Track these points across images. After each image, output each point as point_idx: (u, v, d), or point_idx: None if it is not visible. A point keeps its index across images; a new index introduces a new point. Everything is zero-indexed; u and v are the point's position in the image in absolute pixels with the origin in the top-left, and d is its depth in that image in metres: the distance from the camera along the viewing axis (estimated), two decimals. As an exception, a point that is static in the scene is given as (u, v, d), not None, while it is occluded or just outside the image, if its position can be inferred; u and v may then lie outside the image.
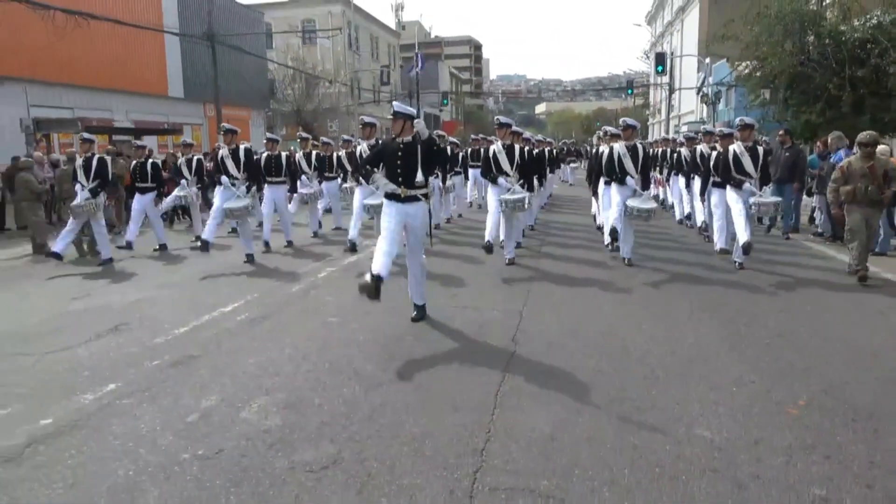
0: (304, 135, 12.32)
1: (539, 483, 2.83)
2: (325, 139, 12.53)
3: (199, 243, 8.97)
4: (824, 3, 15.94)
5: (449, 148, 11.88)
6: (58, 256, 8.52)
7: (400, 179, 5.24)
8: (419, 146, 5.23)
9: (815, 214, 10.87)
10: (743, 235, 7.31)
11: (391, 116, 5.37)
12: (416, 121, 5.33)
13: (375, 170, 5.47)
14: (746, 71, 14.29)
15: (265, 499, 2.74)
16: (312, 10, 35.58)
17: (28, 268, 8.94)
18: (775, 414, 3.47)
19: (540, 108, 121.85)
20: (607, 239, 8.31)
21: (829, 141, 9.55)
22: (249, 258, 8.61)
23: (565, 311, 5.74)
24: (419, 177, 5.19)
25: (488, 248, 7.71)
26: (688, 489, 2.76)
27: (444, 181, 11.58)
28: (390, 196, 5.31)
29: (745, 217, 7.39)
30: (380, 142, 7.21)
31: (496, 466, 2.97)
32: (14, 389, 3.96)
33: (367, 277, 4.80)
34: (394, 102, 5.71)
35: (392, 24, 52.37)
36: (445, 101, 45.17)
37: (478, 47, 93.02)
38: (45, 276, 8.20)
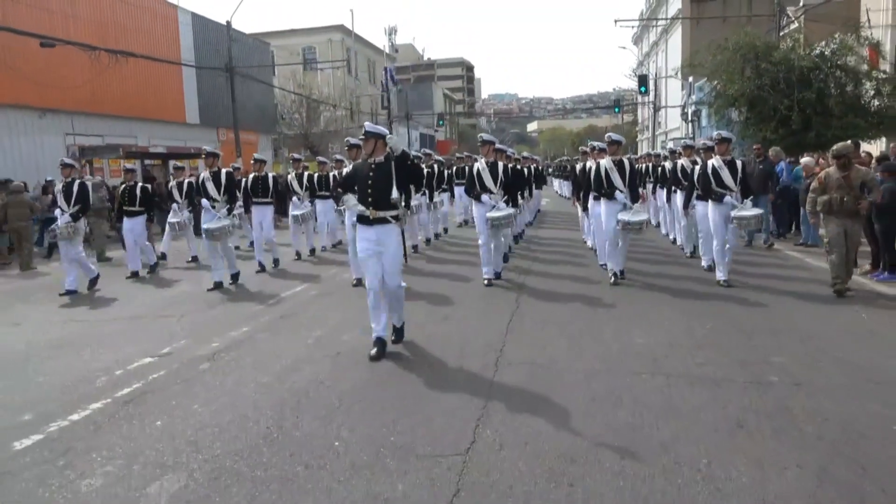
0: (296, 156, 12.55)
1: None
2: (320, 158, 12.93)
3: (193, 262, 9.53)
4: (781, 34, 18.32)
5: (435, 166, 12.90)
6: (71, 293, 8.56)
7: (370, 200, 5.13)
8: (393, 164, 5.12)
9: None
10: (719, 272, 7.67)
11: (362, 137, 5.34)
12: (388, 137, 5.26)
13: (348, 193, 5.47)
14: (713, 94, 16.52)
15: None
16: (313, 39, 37.98)
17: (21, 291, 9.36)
18: (790, 472, 3.10)
19: (532, 126, 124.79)
20: (612, 271, 8.16)
21: (771, 154, 11.62)
22: (217, 285, 8.45)
23: (550, 332, 5.67)
24: (394, 194, 5.07)
25: (489, 284, 7.93)
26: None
27: (430, 198, 12.07)
28: (360, 219, 5.26)
29: (722, 244, 7.65)
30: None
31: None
32: None
33: (373, 351, 5.03)
34: (365, 123, 5.66)
35: (386, 48, 54.95)
36: (441, 123, 47.53)
37: (470, 68, 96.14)
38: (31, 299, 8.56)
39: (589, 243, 10.87)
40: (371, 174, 5.18)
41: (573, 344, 5.38)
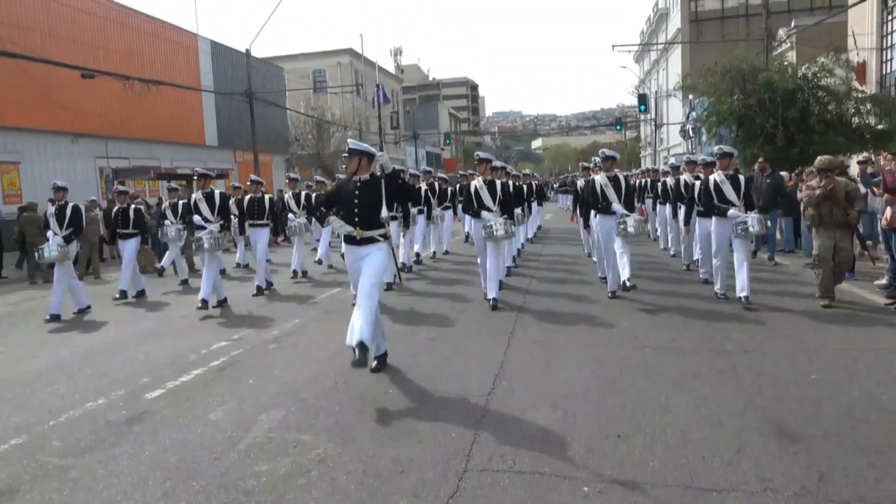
0: (293, 175, 12.71)
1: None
2: (318, 178, 12.99)
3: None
4: (774, 54, 19.69)
5: (436, 183, 13.37)
6: (81, 312, 8.77)
7: (357, 220, 5.05)
8: (382, 182, 5.06)
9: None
10: (716, 279, 7.95)
11: (346, 154, 5.30)
12: (379, 155, 5.20)
13: (332, 213, 5.35)
14: (705, 113, 17.85)
15: None
16: (322, 62, 39.70)
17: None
18: (725, 402, 3.69)
19: (536, 144, 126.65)
20: (611, 287, 8.28)
21: (755, 168, 12.87)
22: (203, 304, 8.35)
23: (548, 358, 5.53)
24: (384, 213, 5.01)
25: (494, 307, 7.77)
26: None
27: (429, 216, 12.36)
28: (347, 239, 5.17)
29: (724, 262, 7.79)
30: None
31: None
32: None
33: (356, 354, 4.59)
34: (349, 140, 5.56)
35: (392, 68, 56.81)
36: (448, 141, 49.11)
37: (474, 87, 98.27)
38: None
39: (594, 258, 10.73)
40: (357, 192, 5.08)
41: (571, 371, 5.14)
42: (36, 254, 9.00)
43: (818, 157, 7.62)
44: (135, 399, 4.95)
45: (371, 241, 5.09)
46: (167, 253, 11.61)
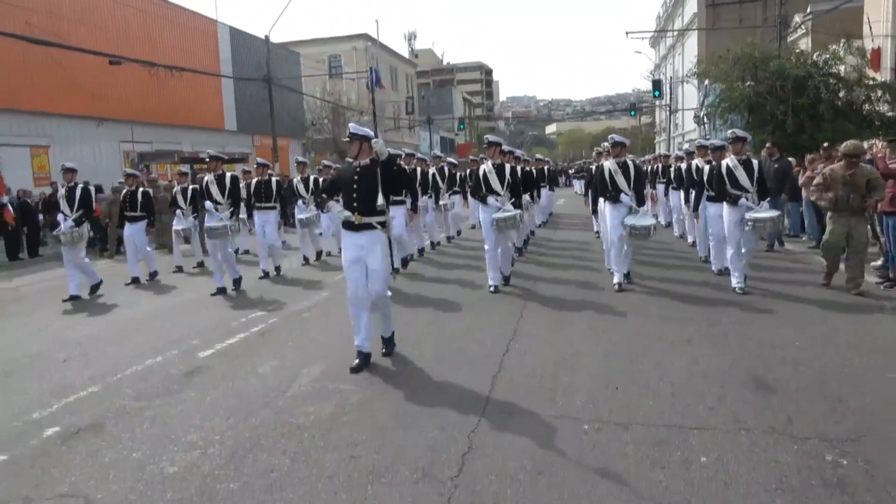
0: (301, 159, 12.41)
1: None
2: (325, 162, 12.66)
3: (198, 267, 9.12)
4: (789, 40, 19.93)
5: (446, 168, 12.96)
6: (75, 298, 8.63)
7: (355, 205, 5.04)
8: (378, 168, 5.03)
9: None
10: (734, 280, 7.45)
11: (347, 138, 5.24)
12: (374, 141, 5.10)
13: (334, 198, 5.36)
14: (717, 100, 18.21)
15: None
16: (338, 47, 40.17)
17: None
18: (715, 360, 4.06)
19: (550, 129, 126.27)
20: (615, 278, 7.99)
21: (762, 154, 13.26)
22: (220, 291, 8.53)
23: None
24: (380, 201, 4.99)
25: (495, 291, 7.82)
26: None
27: (437, 200, 12.06)
28: (346, 225, 5.14)
29: (737, 250, 7.46)
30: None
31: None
32: None
33: (355, 363, 4.92)
34: (350, 124, 5.50)
35: (406, 53, 57.13)
36: (462, 126, 49.50)
37: (488, 72, 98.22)
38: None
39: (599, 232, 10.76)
40: (356, 178, 5.09)
41: (577, 337, 5.61)
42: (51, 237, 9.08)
43: (844, 143, 7.40)
44: (189, 357, 5.62)
45: (369, 227, 5.06)
46: (174, 248, 11.41)
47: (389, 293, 5.43)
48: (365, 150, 5.12)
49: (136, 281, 9.88)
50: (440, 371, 4.99)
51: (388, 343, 5.43)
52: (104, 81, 20.47)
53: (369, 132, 5.27)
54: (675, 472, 3.27)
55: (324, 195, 5.64)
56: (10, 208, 13.60)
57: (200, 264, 11.35)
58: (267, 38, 24.60)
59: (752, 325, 6.01)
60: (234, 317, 7.17)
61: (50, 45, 16.47)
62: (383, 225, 5.14)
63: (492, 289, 7.91)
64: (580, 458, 3.47)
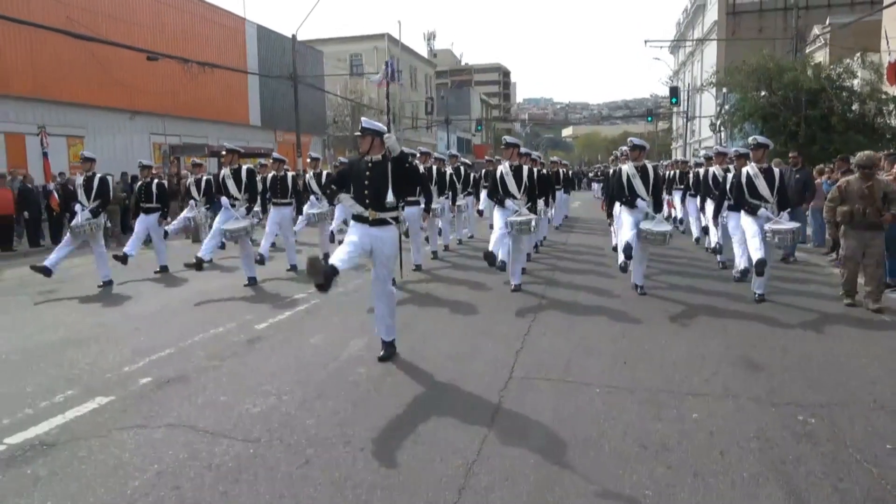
0: (315, 155, 12.35)
1: None
2: (342, 159, 12.44)
3: (195, 262, 8.59)
4: (808, 51, 20.49)
5: (462, 168, 12.81)
6: (47, 270, 8.55)
7: (367, 201, 5.04)
8: (389, 164, 5.04)
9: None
10: (756, 253, 7.10)
11: (359, 133, 5.22)
12: (386, 136, 5.08)
13: (343, 191, 5.33)
14: (731, 109, 18.87)
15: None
16: (359, 46, 41.09)
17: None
18: (715, 342, 5.03)
19: (567, 132, 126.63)
20: (621, 257, 7.76)
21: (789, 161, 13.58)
22: (251, 281, 8.71)
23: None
24: (389, 197, 4.97)
25: (502, 267, 7.70)
26: None
27: (454, 201, 11.79)
28: (357, 218, 5.13)
29: (760, 237, 7.18)
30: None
31: None
32: None
33: (322, 261, 4.69)
34: (362, 119, 5.46)
35: (425, 53, 57.98)
36: (479, 128, 50.24)
37: (506, 73, 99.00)
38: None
39: (614, 241, 10.71)
40: (368, 173, 5.10)
41: (590, 326, 6.19)
42: (69, 230, 9.09)
43: (858, 154, 7.38)
44: (247, 328, 6.42)
45: (383, 222, 5.09)
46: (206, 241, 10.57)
47: (397, 293, 5.51)
48: (377, 146, 5.12)
49: (164, 269, 10.06)
50: (473, 343, 5.75)
51: (389, 347, 5.30)
52: (138, 76, 21.41)
53: (382, 127, 5.25)
54: (671, 424, 4.01)
55: (333, 186, 5.59)
56: (56, 195, 14.48)
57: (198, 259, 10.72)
58: (294, 37, 25.47)
59: (753, 319, 6.66)
60: (281, 296, 7.98)
61: (91, 41, 17.39)
62: (396, 220, 5.21)
63: (500, 263, 7.56)
64: (593, 412, 4.21)
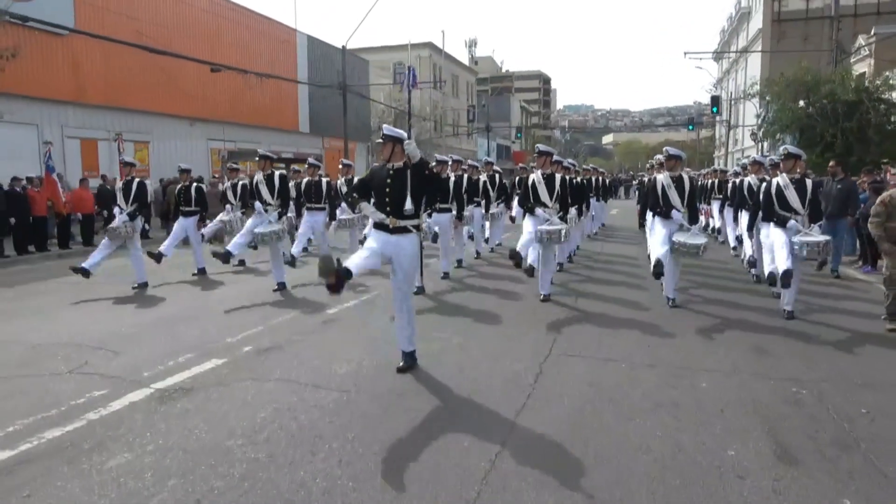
0: (347, 162, 12.15)
1: None
2: (345, 161, 12.62)
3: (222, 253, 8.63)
4: (852, 61, 20.85)
5: (497, 176, 13.09)
6: (85, 272, 8.91)
7: (388, 209, 5.09)
8: (409, 171, 5.08)
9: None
10: (783, 264, 6.91)
11: (380, 140, 5.28)
12: (406, 143, 5.11)
13: (365, 199, 5.37)
14: (768, 120, 19.42)
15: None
16: (403, 55, 42.43)
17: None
18: (730, 334, 6.47)
19: (607, 139, 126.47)
20: (651, 268, 7.62)
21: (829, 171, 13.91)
22: (280, 286, 8.81)
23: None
24: (408, 205, 5.01)
25: (530, 272, 7.94)
26: None
27: (486, 209, 11.93)
28: (378, 226, 5.19)
29: (788, 249, 6.96)
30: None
31: None
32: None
33: (336, 263, 4.68)
34: (384, 126, 5.49)
35: (466, 60, 59.20)
36: (519, 135, 51.15)
37: (546, 80, 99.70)
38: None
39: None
40: (389, 180, 5.13)
41: (617, 326, 6.77)
42: (106, 233, 9.42)
43: None
44: (318, 313, 7.54)
45: (404, 230, 5.12)
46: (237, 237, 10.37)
47: (411, 300, 5.37)
48: (398, 153, 5.15)
49: (202, 272, 10.33)
50: (518, 329, 6.71)
51: (409, 357, 5.32)
52: (198, 85, 23.01)
53: (402, 133, 5.27)
54: (684, 391, 4.91)
55: (354, 195, 5.57)
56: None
57: (241, 262, 11.41)
58: (343, 48, 26.83)
59: (770, 322, 7.47)
60: (305, 303, 8.99)
61: (161, 54, 18.93)
62: (417, 228, 5.24)
63: (528, 267, 7.91)
64: (618, 380, 5.13)
